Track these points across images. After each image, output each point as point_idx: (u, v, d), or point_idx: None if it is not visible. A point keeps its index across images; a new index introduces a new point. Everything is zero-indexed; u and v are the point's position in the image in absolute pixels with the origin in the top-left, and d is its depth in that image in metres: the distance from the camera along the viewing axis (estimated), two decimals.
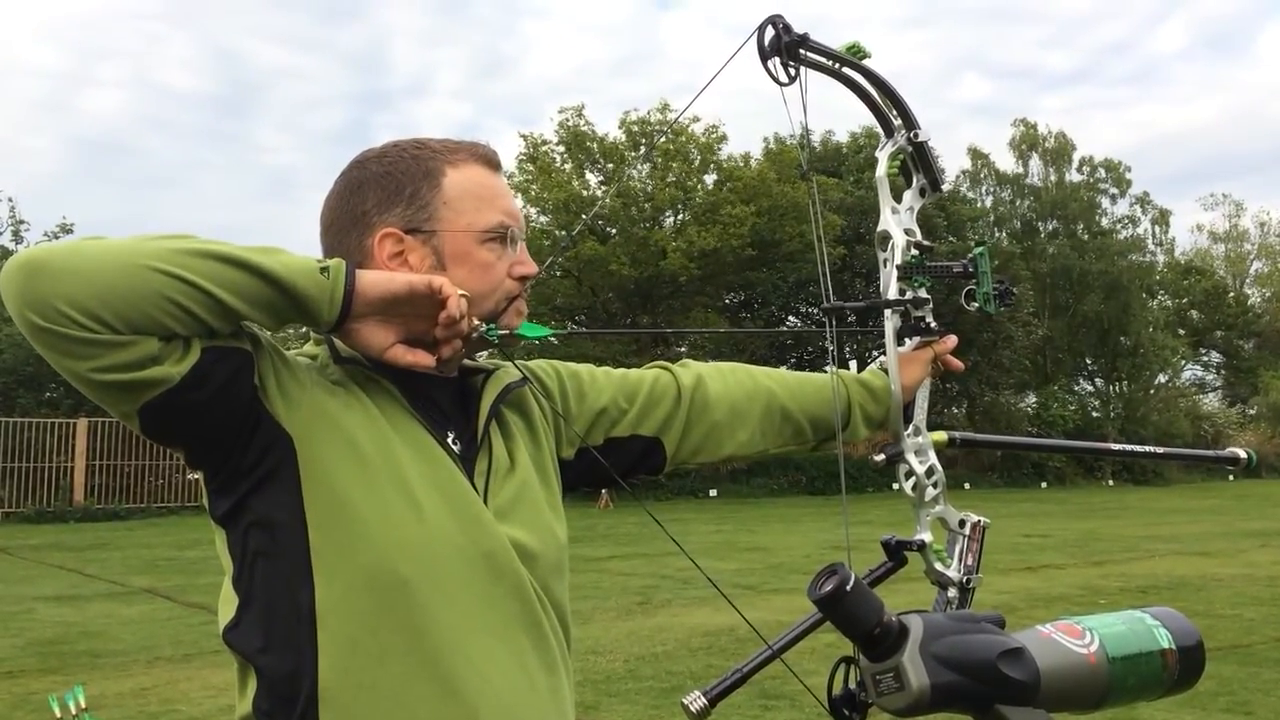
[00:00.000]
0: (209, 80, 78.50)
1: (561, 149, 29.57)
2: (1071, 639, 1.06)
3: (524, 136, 29.51)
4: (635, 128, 29.60)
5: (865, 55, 1.45)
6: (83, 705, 2.25)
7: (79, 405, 21.93)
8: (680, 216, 29.70)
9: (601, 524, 21.06)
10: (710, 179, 29.82)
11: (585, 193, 29.17)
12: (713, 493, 28.41)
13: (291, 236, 74.02)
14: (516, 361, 1.33)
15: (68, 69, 68.92)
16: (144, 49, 74.08)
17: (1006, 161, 44.72)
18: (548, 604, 1.25)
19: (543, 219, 29.34)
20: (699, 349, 32.44)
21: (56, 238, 33.18)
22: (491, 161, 1.24)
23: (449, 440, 1.21)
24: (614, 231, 28.87)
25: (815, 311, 37.48)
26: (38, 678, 6.35)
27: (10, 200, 34.45)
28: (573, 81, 76.89)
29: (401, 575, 1.09)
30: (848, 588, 0.99)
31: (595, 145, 29.33)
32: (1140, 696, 1.10)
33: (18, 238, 33.92)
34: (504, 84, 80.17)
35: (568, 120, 29.26)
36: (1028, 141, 44.23)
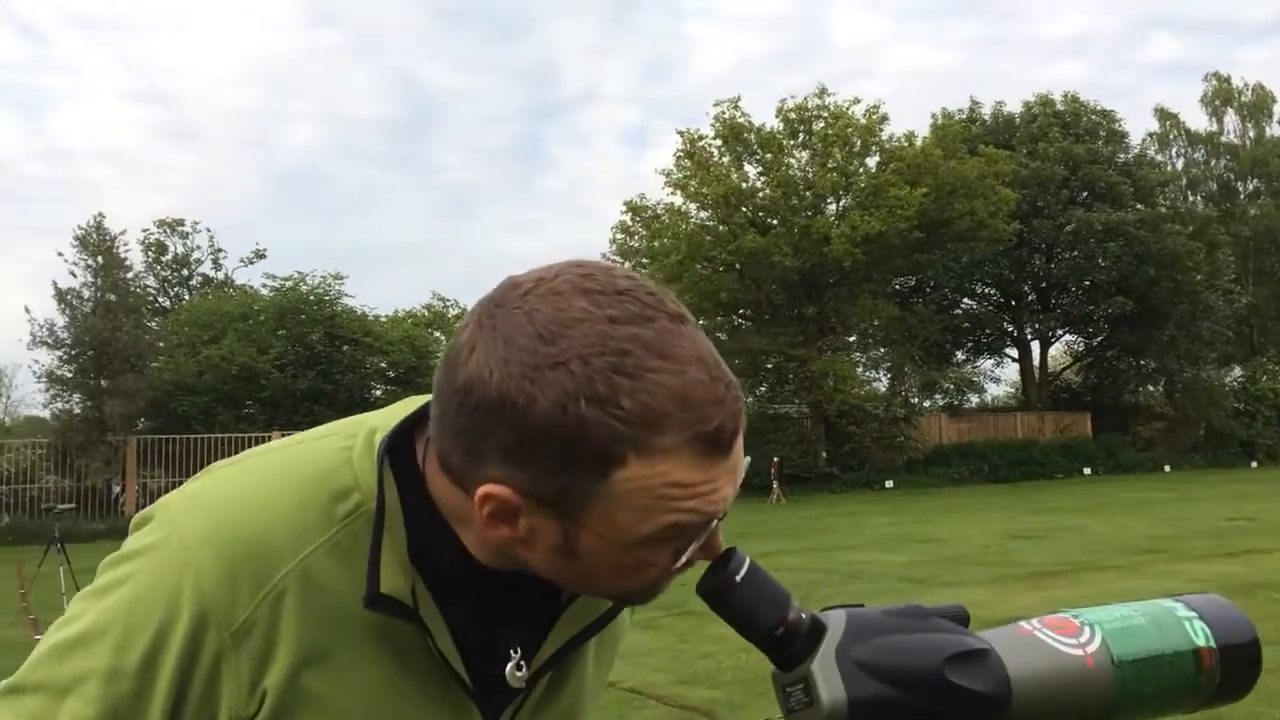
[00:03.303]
0: (390, 107, 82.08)
1: (719, 142, 29.39)
2: (1062, 636, 0.84)
3: (681, 133, 29.52)
4: (793, 115, 29.14)
5: None
6: None
7: (272, 420, 23.28)
8: (842, 202, 29.04)
9: (773, 518, 20.81)
10: (873, 161, 29.04)
11: (744, 185, 28.92)
12: (889, 484, 27.67)
13: (470, 251, 76.69)
14: None
15: (264, 106, 73.28)
16: (330, 82, 78.03)
17: (1198, 120, 41.92)
18: None
19: (702, 214, 29.27)
20: (868, 336, 31.71)
21: (251, 264, 35.41)
22: (720, 445, 0.74)
23: (509, 668, 0.88)
24: (774, 222, 28.49)
25: (992, 292, 36.05)
26: None
27: (209, 231, 36.70)
28: (734, 77, 76.63)
29: None
30: (736, 577, 0.79)
31: (752, 136, 29.02)
32: (1167, 708, 0.86)
33: (216, 265, 36.34)
34: (669, 86, 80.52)
35: (723, 113, 29.06)
36: (1221, 96, 41.32)
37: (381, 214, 75.59)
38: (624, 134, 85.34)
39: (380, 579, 0.79)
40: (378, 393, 27.25)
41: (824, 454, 28.81)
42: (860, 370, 31.65)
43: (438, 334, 36.49)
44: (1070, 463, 30.25)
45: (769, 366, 29.91)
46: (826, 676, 0.78)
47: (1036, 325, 35.81)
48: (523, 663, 0.88)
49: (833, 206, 29.19)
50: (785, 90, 55.49)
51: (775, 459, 25.85)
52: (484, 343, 0.74)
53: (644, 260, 30.06)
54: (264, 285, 28.66)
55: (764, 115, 30.95)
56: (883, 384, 32.44)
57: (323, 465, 0.83)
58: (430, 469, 0.83)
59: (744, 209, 28.48)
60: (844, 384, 28.36)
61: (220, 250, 36.38)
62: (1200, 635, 0.87)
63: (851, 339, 31.98)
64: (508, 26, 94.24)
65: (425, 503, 0.83)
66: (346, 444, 0.84)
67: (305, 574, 0.79)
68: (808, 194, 28.36)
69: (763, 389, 31.74)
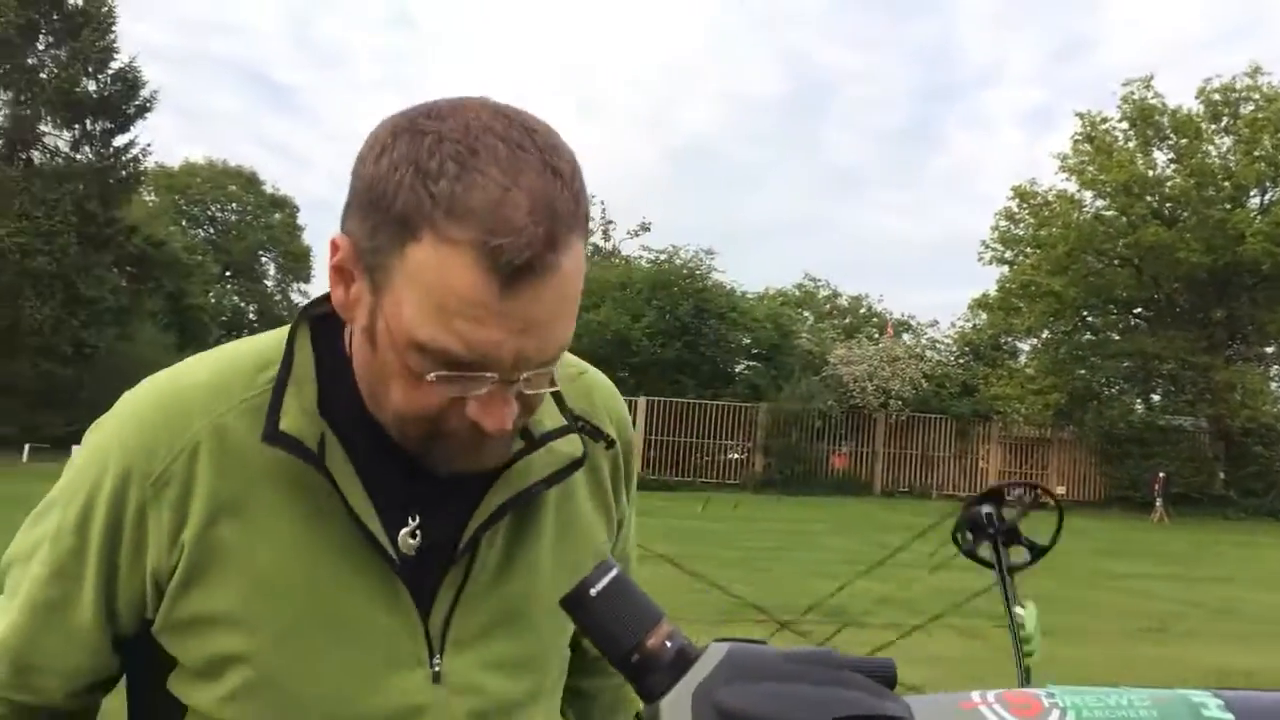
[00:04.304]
0: (783, 85, 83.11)
1: (1124, 125, 26.99)
2: (1018, 718, 0.67)
3: (1080, 115, 27.40)
4: (1216, 96, 26.14)
5: None
6: None
7: (639, 386, 24.51)
8: (1269, 195, 25.69)
9: (1150, 538, 19.07)
10: None
11: (1150, 173, 26.37)
12: None
13: (847, 231, 75.99)
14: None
15: (664, 92, 76.89)
16: (731, 62, 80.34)
17: None
18: None
19: (1099, 203, 27.05)
20: None
21: (636, 235, 37.28)
22: (500, 267, 0.74)
23: (403, 534, 0.88)
24: (1184, 214, 25.76)
25: None
26: None
27: (602, 203, 39.00)
28: (1152, 56, 69.82)
29: None
30: (591, 590, 0.71)
31: (1165, 119, 26.36)
32: None
33: (606, 236, 38.59)
34: (1080, 67, 75.02)
35: (1132, 94, 26.62)
36: None
37: (762, 191, 76.84)
38: (1025, 116, 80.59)
39: (280, 420, 0.83)
40: (740, 367, 27.85)
41: (1221, 475, 25.87)
42: (1275, 385, 28.01)
43: (806, 314, 36.61)
44: None
45: (1163, 373, 27.22)
46: (675, 717, 0.68)
47: None
48: (417, 531, 0.88)
49: (1255, 200, 25.92)
50: (1210, 70, 49.76)
51: (1161, 474, 23.67)
52: (393, 114, 0.81)
53: (1028, 250, 28.34)
54: (640, 256, 30.10)
55: (1181, 97, 27.95)
56: None
57: (260, 344, 0.91)
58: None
59: (1148, 199, 25.97)
60: (1254, 399, 25.24)
61: (610, 222, 38.54)
62: None
63: (1269, 349, 28.33)
64: (910, 1, 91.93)
65: (343, 365, 0.88)
66: (274, 335, 0.92)
67: (219, 429, 0.85)
68: (1226, 184, 25.36)
69: (1155, 397, 28.96)
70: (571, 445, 0.94)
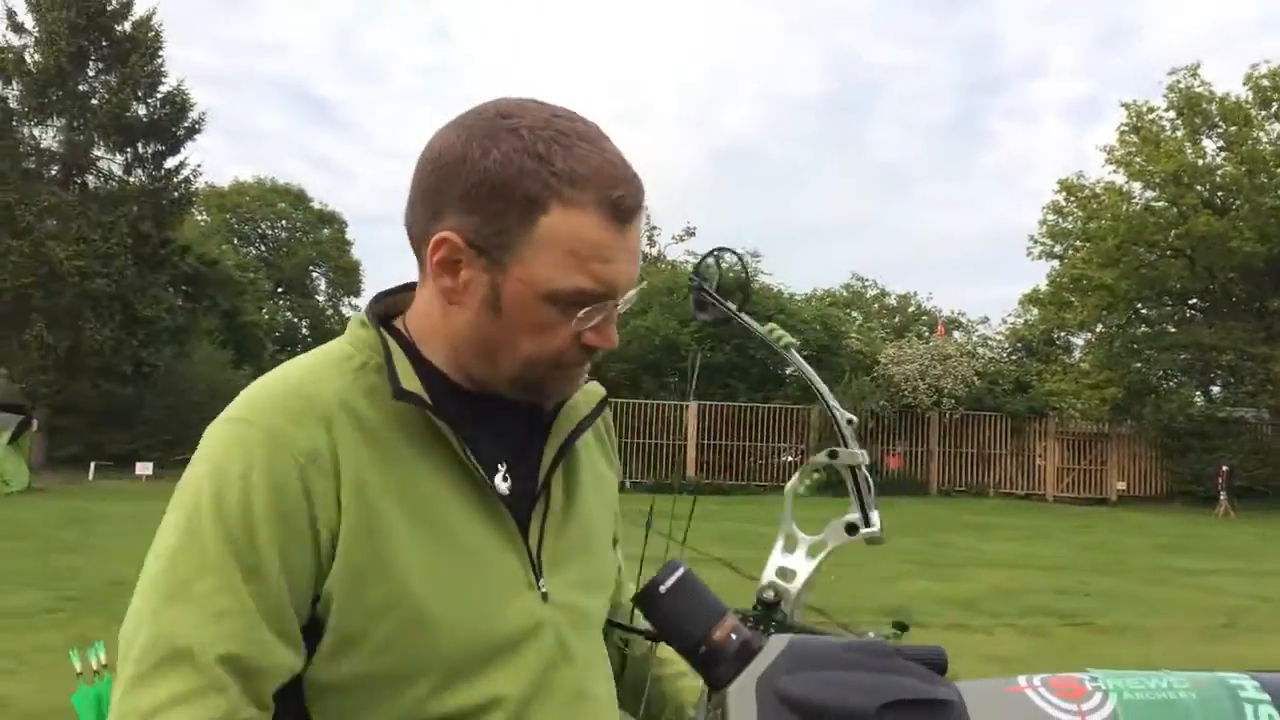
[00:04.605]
0: (826, 84, 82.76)
1: (1171, 114, 26.57)
2: (1060, 699, 0.71)
3: (1126, 106, 27.03)
4: (1265, 82, 25.65)
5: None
6: (104, 661, 2.39)
7: (689, 390, 24.54)
8: None
9: (1214, 532, 18.75)
10: None
11: (1200, 162, 25.93)
12: None
13: (895, 230, 75.42)
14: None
15: (705, 94, 76.85)
16: (772, 63, 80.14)
17: None
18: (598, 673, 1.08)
19: (1148, 194, 26.65)
20: None
21: (681, 240, 37.30)
22: (620, 213, 0.93)
23: (497, 479, 1.02)
24: (1236, 203, 25.30)
25: None
26: None
27: (646, 209, 38.97)
28: (1201, 43, 68.59)
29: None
30: (661, 588, 0.78)
31: (1213, 107, 25.92)
32: None
33: (651, 241, 38.65)
34: (1126, 55, 73.93)
35: (1178, 82, 26.21)
36: None
37: (807, 192, 76.53)
38: (1071, 108, 79.57)
39: (399, 380, 0.96)
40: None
41: None
42: None
43: (854, 314, 36.38)
44: None
45: (1222, 364, 26.75)
46: (740, 704, 0.74)
47: None
48: (507, 475, 1.02)
49: None
50: (1258, 55, 48.74)
51: (1225, 467, 23.25)
52: (453, 123, 0.97)
53: (1077, 244, 27.97)
54: (686, 261, 30.09)
55: (1229, 84, 27.45)
56: None
57: (329, 348, 1.02)
58: (411, 320, 1.03)
59: (1198, 188, 25.55)
60: None
61: (655, 228, 38.60)
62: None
63: None
64: None
65: (411, 346, 1.02)
66: (342, 340, 1.03)
67: (343, 403, 0.95)
68: (1278, 171, 24.88)
69: (1214, 389, 28.45)
70: (594, 389, 1.14)
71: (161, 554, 0.90)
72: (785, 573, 1.05)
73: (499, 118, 0.94)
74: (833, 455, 1.09)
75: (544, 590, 1.01)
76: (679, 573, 0.81)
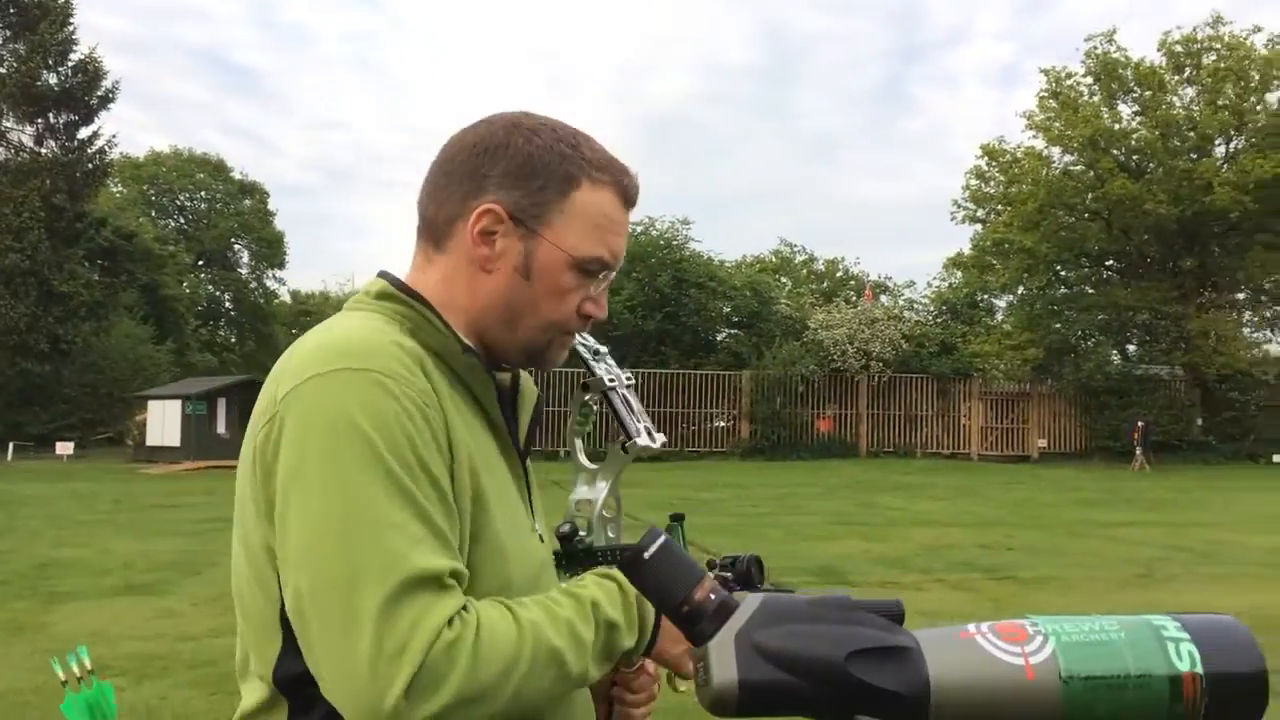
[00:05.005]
0: (757, 52, 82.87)
1: (1089, 80, 27.19)
2: (1005, 643, 0.80)
3: (1045, 72, 27.59)
4: (1179, 48, 26.36)
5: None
6: (88, 667, 2.40)
7: (623, 359, 24.43)
8: (1233, 144, 26.01)
9: (1131, 486, 19.41)
10: (1274, 98, 25.71)
11: (1116, 126, 26.61)
12: (1277, 458, 24.79)
13: (824, 196, 76.09)
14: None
15: (635, 63, 76.50)
16: (704, 32, 79.94)
17: None
18: None
19: (1067, 158, 27.28)
20: (1260, 293, 28.34)
21: None
22: (629, 196, 1.15)
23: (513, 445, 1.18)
24: (1151, 166, 26.03)
25: None
26: None
27: None
28: (1119, 7, 69.96)
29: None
30: (645, 554, 0.86)
31: (1129, 72, 26.58)
32: None
33: None
34: (1048, 21, 75.16)
35: (1095, 48, 26.81)
36: None
37: (737, 160, 76.81)
38: (993, 74, 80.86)
39: (464, 339, 1.10)
40: (721, 336, 27.99)
41: (1199, 421, 26.33)
42: (1247, 331, 28.46)
43: (784, 279, 36.73)
44: None
45: (1138, 323, 27.62)
46: (721, 657, 0.82)
47: None
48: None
49: (1220, 149, 26.24)
50: (1172, 22, 49.80)
51: (1140, 423, 24.04)
52: (483, 122, 1.15)
53: (999, 207, 28.55)
54: None
55: (1144, 49, 28.15)
56: (1276, 346, 28.98)
57: (359, 316, 1.10)
58: (426, 294, 1.12)
59: (1114, 152, 26.23)
60: (1227, 345, 25.67)
61: None
62: (1185, 659, 0.80)
63: (1239, 296, 28.76)
64: None
65: (438, 316, 1.13)
66: (365, 311, 1.11)
67: (420, 356, 1.03)
68: (1191, 135, 25.65)
69: (1130, 347, 29.36)
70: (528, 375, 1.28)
71: (337, 496, 0.91)
72: (582, 505, 1.13)
73: (528, 118, 1.14)
74: (585, 388, 1.19)
75: (539, 532, 1.17)
76: (661, 540, 0.89)
